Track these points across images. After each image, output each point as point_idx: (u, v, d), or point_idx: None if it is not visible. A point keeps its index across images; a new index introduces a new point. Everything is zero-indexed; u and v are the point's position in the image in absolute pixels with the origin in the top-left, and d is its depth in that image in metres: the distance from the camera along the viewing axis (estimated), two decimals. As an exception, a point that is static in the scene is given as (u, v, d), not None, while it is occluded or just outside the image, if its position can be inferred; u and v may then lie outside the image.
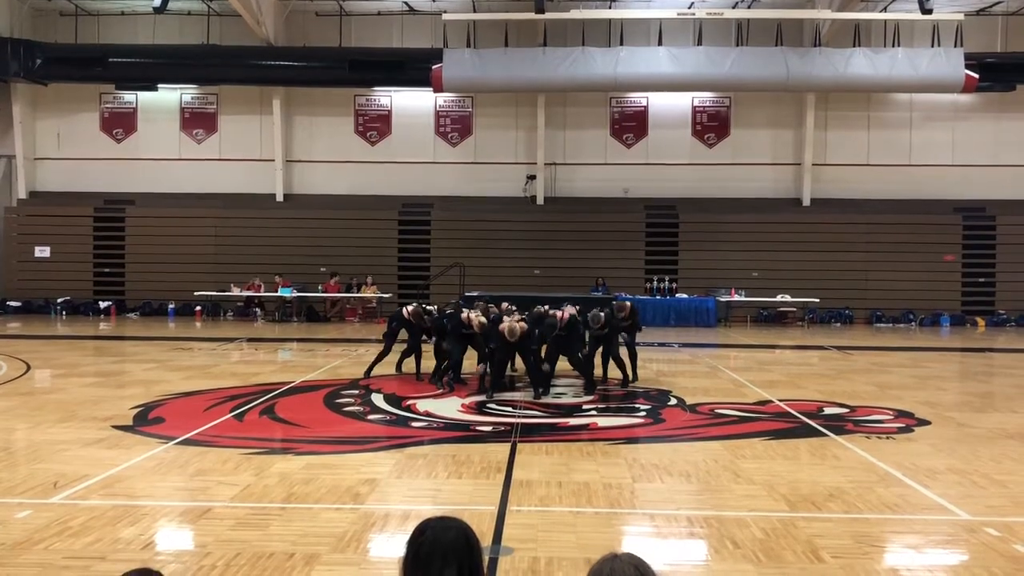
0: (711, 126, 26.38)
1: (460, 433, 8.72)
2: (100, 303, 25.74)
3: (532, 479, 6.71)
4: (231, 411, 9.62)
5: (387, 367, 12.73)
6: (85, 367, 13.80)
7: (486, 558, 4.81)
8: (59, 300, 25.65)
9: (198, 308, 25.05)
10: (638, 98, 26.25)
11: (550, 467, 7.16)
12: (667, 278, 24.62)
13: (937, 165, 25.68)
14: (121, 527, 5.42)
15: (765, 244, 25.10)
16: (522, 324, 10.91)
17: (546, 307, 12.77)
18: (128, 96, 26.88)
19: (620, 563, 2.05)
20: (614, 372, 12.04)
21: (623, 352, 12.13)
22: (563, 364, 11.84)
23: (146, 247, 25.84)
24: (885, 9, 23.65)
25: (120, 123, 27.09)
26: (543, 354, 11.41)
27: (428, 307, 12.94)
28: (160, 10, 21.33)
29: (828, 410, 10.08)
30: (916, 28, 23.09)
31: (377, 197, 26.11)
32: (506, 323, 10.90)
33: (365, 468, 7.12)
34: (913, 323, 24.76)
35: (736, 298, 24.28)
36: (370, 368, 12.48)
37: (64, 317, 25.04)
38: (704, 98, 26.20)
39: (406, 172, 26.34)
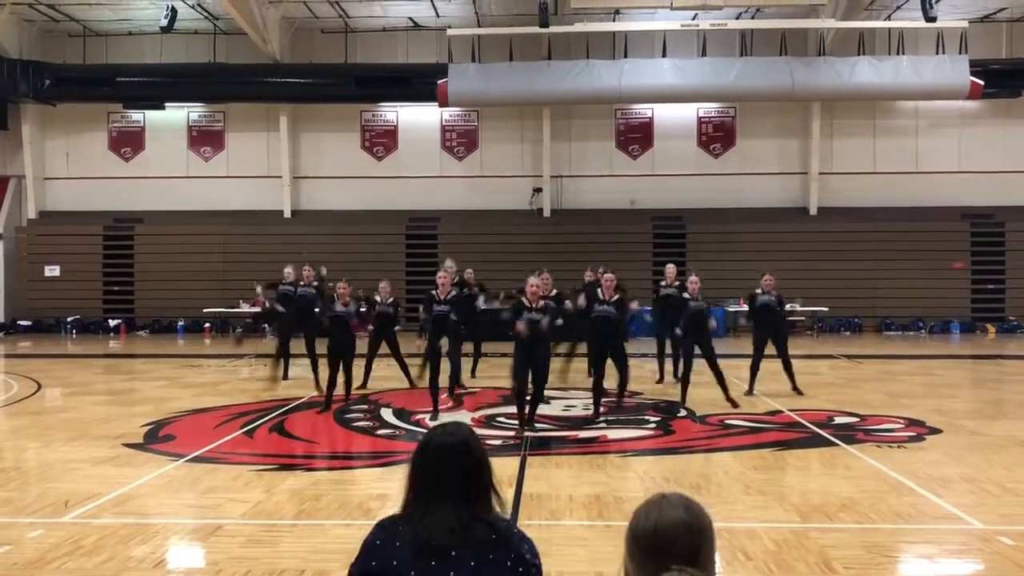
0: (717, 136, 26.39)
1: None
2: (110, 321, 25.83)
3: (542, 492, 6.70)
4: (241, 428, 9.64)
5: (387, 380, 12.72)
6: (95, 385, 13.85)
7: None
8: (69, 319, 25.76)
9: (207, 325, 25.12)
10: (643, 109, 26.28)
11: (560, 480, 7.15)
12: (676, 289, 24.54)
13: (944, 172, 25.59)
14: (133, 545, 5.43)
15: (773, 253, 24.96)
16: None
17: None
18: (136, 115, 27.03)
19: (668, 505, 1.91)
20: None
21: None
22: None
23: (155, 265, 25.92)
24: (889, 17, 23.66)
25: (128, 142, 27.25)
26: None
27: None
28: (167, 29, 21.50)
29: (838, 419, 10.04)
30: (920, 36, 23.07)
31: (384, 212, 26.17)
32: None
33: (375, 483, 7.13)
34: (923, 331, 24.66)
35: (744, 308, 24.18)
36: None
37: (74, 336, 25.14)
38: (709, 109, 26.22)
39: (413, 187, 26.40)
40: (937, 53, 21.81)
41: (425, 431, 2.28)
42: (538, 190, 26.08)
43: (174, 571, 5.07)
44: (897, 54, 22.01)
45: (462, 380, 11.97)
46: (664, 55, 22.29)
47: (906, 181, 25.62)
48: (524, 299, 9.49)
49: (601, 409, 10.23)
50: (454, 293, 10.86)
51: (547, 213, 26.09)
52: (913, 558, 5.37)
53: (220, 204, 26.45)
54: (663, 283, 13.67)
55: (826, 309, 24.04)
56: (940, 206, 25.29)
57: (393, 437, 9.20)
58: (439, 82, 22.30)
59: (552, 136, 25.83)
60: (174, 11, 21.68)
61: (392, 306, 12.81)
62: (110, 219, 26.66)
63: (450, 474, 2.20)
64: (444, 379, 10.64)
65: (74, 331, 25.51)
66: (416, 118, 26.55)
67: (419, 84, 23.47)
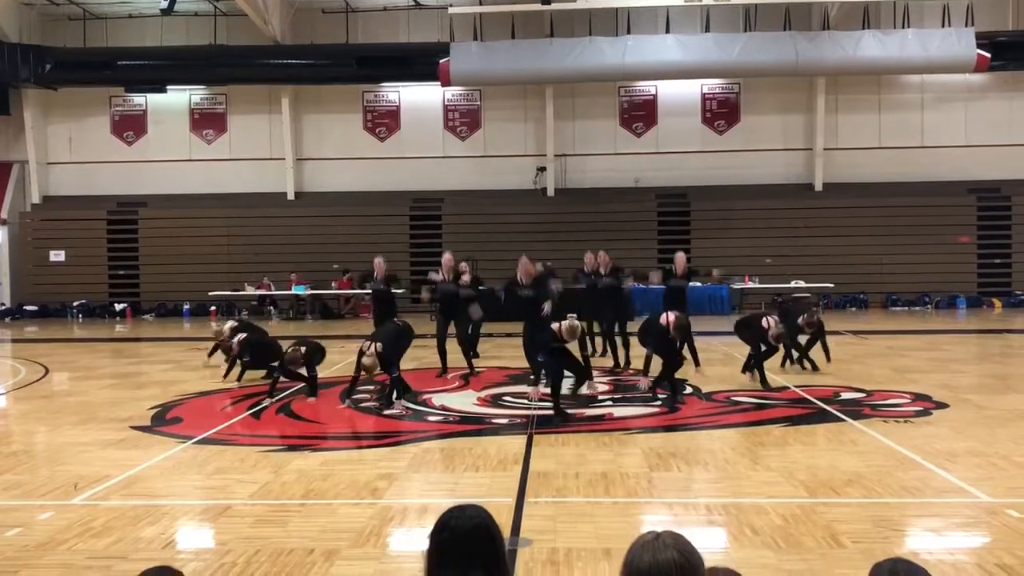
0: (721, 113, 26.23)
1: (476, 426, 8.73)
2: (115, 305, 25.89)
3: (549, 470, 6.72)
4: (248, 409, 9.67)
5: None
6: (102, 369, 13.90)
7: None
8: (75, 303, 25.83)
9: (213, 308, 25.17)
10: (647, 87, 26.13)
11: (567, 458, 7.16)
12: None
13: (950, 146, 25.42)
14: (142, 527, 5.46)
15: (778, 230, 24.96)
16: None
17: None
18: (138, 98, 26.97)
19: (662, 546, 1.96)
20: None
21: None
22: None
23: (159, 248, 25.96)
24: (894, -10, 23.43)
25: (130, 126, 27.21)
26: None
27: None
28: (167, 12, 21.39)
29: (845, 395, 10.03)
30: (926, 8, 22.86)
31: (388, 193, 26.11)
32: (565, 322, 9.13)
33: (382, 463, 7.15)
34: (929, 306, 24.59)
35: (750, 285, 24.16)
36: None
37: (80, 320, 25.22)
38: (713, 85, 26.06)
39: (416, 167, 26.33)
40: (943, 26, 21.63)
41: (443, 512, 2.31)
42: (542, 169, 25.99)
43: (183, 552, 5.09)
44: (902, 27, 21.83)
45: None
46: (667, 31, 22.15)
47: (912, 156, 25.46)
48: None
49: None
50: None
51: (551, 192, 26.02)
52: (920, 531, 5.38)
53: (223, 187, 26.43)
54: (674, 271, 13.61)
55: (832, 285, 23.98)
56: (946, 180, 25.15)
57: (400, 417, 9.22)
58: (441, 61, 22.19)
59: (555, 115, 25.70)
60: (174, -7, 21.53)
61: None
62: (114, 203, 26.67)
63: (469, 556, 2.23)
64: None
65: (80, 315, 25.59)
66: (418, 98, 26.45)
67: (421, 64, 23.35)
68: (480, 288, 12.96)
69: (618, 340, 12.95)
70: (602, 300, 13.02)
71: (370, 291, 12.56)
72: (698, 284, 23.97)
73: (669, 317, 10.01)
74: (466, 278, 12.73)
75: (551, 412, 8.97)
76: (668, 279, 13.16)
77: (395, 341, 9.83)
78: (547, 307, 9.54)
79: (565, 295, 11.00)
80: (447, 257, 12.61)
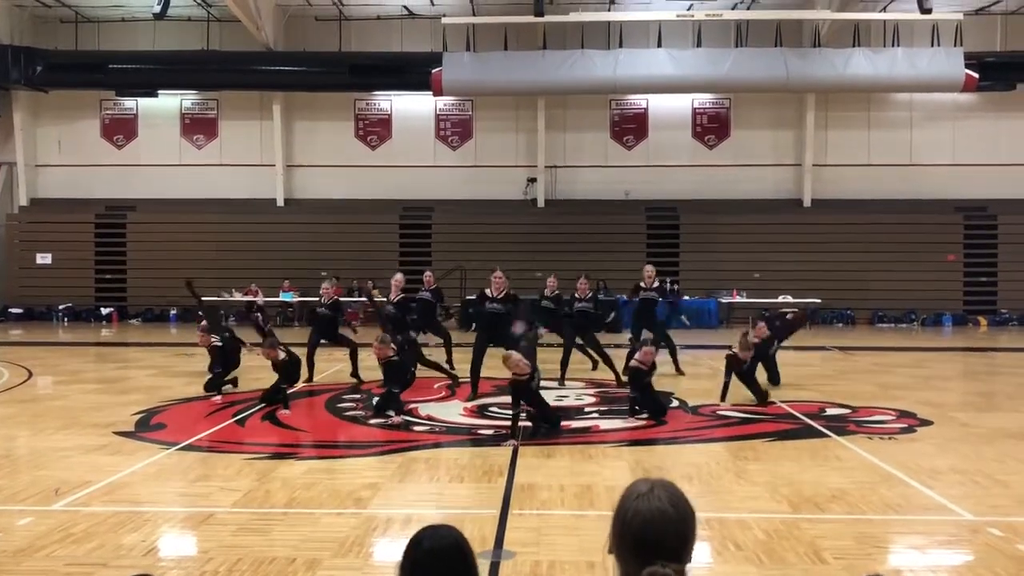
0: (711, 127, 26.37)
1: (462, 437, 8.71)
2: (102, 309, 25.75)
3: (534, 483, 6.70)
4: (232, 416, 9.62)
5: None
6: (87, 374, 13.81)
7: (487, 563, 4.82)
8: (61, 307, 25.67)
9: (200, 313, 25.00)
10: (638, 100, 26.24)
11: (552, 470, 7.15)
12: (669, 280, 24.54)
13: (938, 165, 25.62)
14: (123, 533, 5.42)
15: (766, 245, 25.05)
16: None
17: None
18: (128, 102, 26.90)
19: (656, 500, 2.01)
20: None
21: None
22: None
23: (147, 253, 25.83)
24: (884, 9, 23.62)
25: (121, 129, 27.12)
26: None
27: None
28: (160, 16, 21.34)
29: (830, 411, 10.06)
30: (915, 28, 23.06)
31: (378, 201, 26.11)
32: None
33: (367, 472, 7.12)
34: (915, 323, 24.72)
35: (738, 299, 24.24)
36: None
37: (66, 324, 25.06)
38: (704, 99, 26.19)
39: (407, 176, 26.33)
40: (932, 45, 21.80)
41: (417, 530, 2.32)
42: (532, 180, 26.05)
43: (165, 559, 5.06)
44: (892, 46, 22.00)
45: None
46: (659, 45, 22.24)
47: (900, 173, 25.65)
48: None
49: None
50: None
51: (541, 203, 26.07)
52: (903, 549, 5.39)
53: (213, 192, 26.37)
54: (642, 284, 13.44)
55: (819, 301, 24.07)
56: (933, 198, 25.35)
57: (384, 426, 9.18)
58: (433, 71, 22.21)
59: (547, 126, 25.78)
60: (167, -3, 21.49)
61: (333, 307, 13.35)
62: (102, 207, 26.56)
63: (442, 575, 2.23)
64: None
65: (66, 319, 25.44)
66: (410, 107, 26.48)
67: (413, 73, 23.38)
68: (441, 302, 13.28)
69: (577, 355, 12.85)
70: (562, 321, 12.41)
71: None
72: (687, 298, 24.08)
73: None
74: (426, 293, 13.06)
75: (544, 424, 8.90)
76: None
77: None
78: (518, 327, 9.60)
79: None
80: (398, 278, 12.81)
